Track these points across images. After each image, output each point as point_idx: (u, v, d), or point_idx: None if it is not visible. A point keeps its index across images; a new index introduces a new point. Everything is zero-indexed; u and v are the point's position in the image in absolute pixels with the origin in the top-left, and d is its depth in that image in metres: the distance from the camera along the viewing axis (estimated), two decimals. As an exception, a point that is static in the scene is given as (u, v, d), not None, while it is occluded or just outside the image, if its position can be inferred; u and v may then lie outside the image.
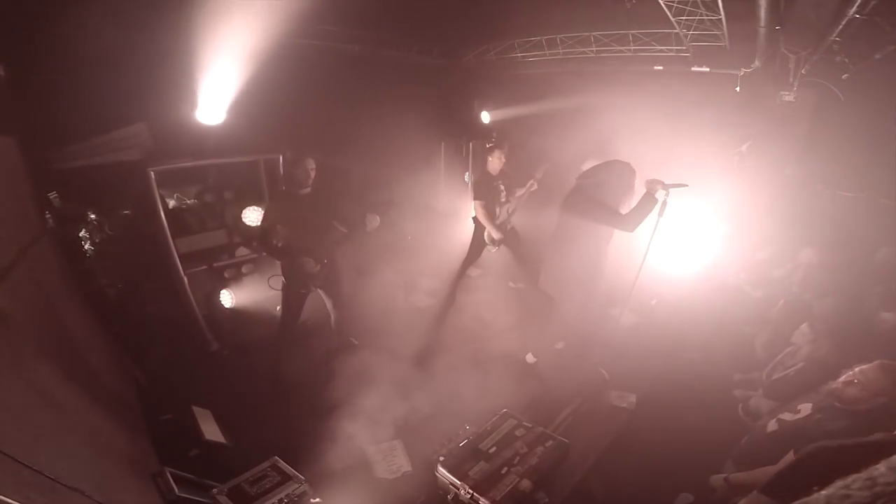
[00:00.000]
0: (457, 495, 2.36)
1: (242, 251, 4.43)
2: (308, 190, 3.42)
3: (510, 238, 4.58)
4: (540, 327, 3.87)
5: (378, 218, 3.60)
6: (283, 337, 3.73)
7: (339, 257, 3.68)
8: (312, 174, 3.39)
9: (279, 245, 3.45)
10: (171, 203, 4.21)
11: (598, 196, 3.23)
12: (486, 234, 4.52)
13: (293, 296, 3.60)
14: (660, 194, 3.06)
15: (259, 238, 3.52)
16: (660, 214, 3.10)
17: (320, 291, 3.70)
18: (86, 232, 3.68)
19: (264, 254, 3.85)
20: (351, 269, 3.85)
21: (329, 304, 3.80)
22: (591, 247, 3.33)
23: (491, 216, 4.41)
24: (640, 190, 3.20)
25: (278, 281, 3.66)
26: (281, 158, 4.41)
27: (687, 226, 4.36)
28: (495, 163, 4.45)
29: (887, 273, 3.50)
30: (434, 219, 6.69)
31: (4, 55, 3.06)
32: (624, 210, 3.21)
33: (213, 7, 3.45)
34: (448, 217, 6.59)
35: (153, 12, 3.46)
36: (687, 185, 3.04)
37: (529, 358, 3.89)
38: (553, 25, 5.79)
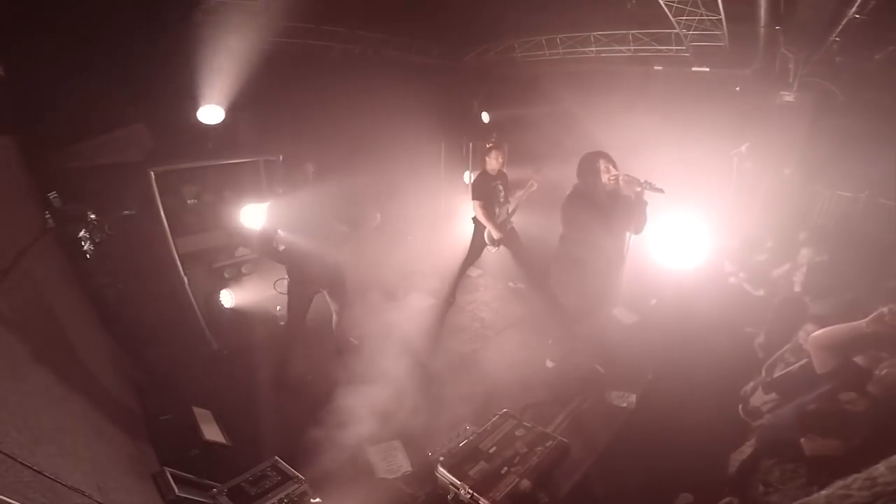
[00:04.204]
0: (457, 495, 2.36)
1: (242, 251, 4.42)
2: (307, 191, 3.33)
3: (510, 238, 4.58)
4: (558, 334, 3.81)
5: (379, 214, 3.51)
6: (290, 338, 3.72)
7: (344, 258, 3.61)
8: (311, 177, 3.33)
9: (281, 249, 3.38)
10: (171, 203, 4.20)
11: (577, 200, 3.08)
12: (485, 233, 4.52)
13: (299, 298, 3.56)
14: (636, 192, 2.89)
15: (259, 243, 3.36)
16: (639, 220, 2.95)
17: (325, 293, 3.66)
18: (86, 232, 3.67)
19: (267, 259, 3.70)
20: (352, 269, 3.81)
21: (333, 307, 3.76)
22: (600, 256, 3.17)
23: (490, 216, 4.41)
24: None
25: (284, 284, 3.62)
26: (281, 159, 4.28)
27: (687, 225, 4.35)
28: (494, 163, 4.45)
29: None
30: (434, 218, 6.70)
31: (4, 55, 3.06)
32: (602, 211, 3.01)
33: (213, 7, 3.45)
34: (448, 217, 6.60)
35: (153, 12, 3.46)
36: (663, 191, 2.85)
37: (548, 363, 3.83)
38: (553, 25, 5.80)
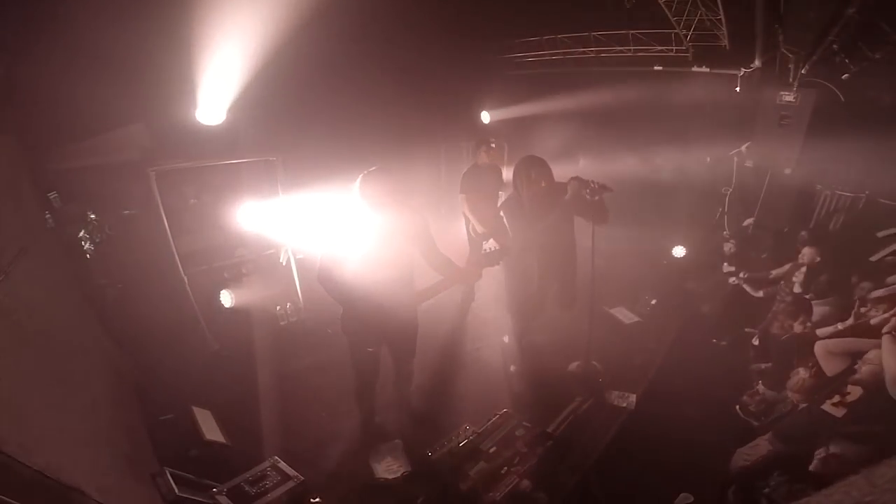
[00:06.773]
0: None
1: (242, 251, 4.43)
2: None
3: (499, 231, 4.51)
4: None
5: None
6: (364, 409, 2.99)
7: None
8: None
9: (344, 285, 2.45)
10: (171, 203, 4.20)
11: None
12: (469, 227, 4.45)
13: (360, 356, 2.72)
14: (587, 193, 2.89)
15: (319, 276, 2.47)
16: (596, 216, 2.93)
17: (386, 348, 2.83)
18: (86, 232, 3.68)
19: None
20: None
21: (393, 363, 2.95)
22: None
23: (473, 209, 4.33)
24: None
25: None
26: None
27: (686, 224, 4.35)
28: (483, 157, 4.45)
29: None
30: (434, 218, 6.70)
31: (4, 55, 3.06)
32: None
33: (213, 6, 3.45)
34: (448, 217, 6.61)
35: (153, 12, 3.46)
36: (612, 190, 2.85)
37: (505, 339, 3.94)
38: (553, 25, 5.80)
